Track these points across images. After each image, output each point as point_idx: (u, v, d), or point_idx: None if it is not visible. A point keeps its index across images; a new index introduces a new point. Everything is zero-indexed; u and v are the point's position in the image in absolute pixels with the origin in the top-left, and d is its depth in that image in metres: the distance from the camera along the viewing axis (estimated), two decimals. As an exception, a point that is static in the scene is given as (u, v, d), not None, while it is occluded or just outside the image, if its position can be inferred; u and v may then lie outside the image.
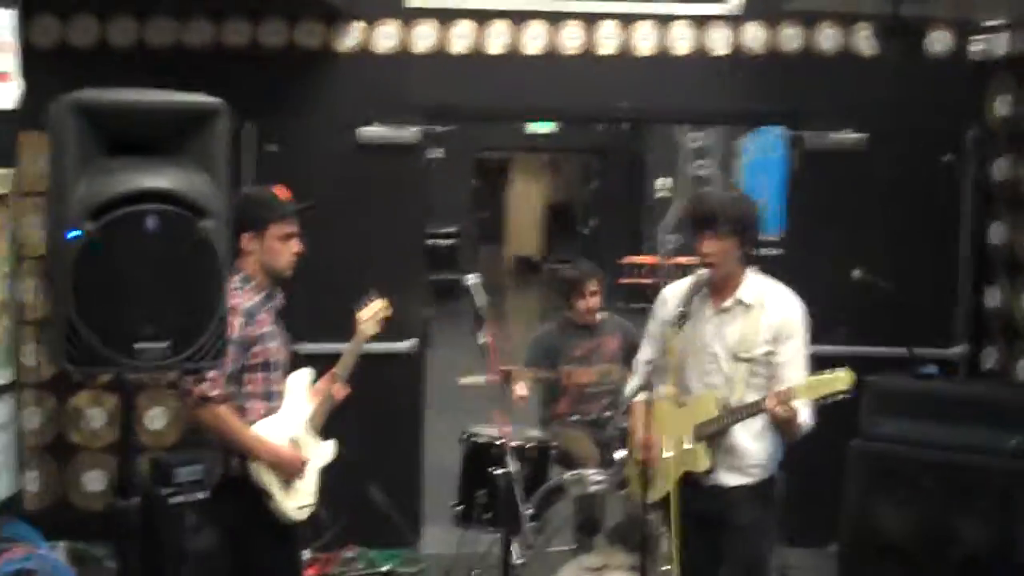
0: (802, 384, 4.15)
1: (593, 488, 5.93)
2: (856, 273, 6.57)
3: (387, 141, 6.95)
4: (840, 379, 4.07)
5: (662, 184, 19.64)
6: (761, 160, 19.27)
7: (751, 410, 4.27)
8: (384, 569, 6.62)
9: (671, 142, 19.53)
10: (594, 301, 6.62)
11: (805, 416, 4.24)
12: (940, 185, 7.12)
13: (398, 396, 6.89)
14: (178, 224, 3.12)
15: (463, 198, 20.36)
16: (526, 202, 27.32)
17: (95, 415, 6.55)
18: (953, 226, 7.14)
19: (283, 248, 4.36)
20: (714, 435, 4.34)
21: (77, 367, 3.06)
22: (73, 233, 3.02)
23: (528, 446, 6.03)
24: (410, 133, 6.99)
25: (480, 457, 6.21)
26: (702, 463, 4.36)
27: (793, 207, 7.37)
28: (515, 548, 5.99)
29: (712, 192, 4.57)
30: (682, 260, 19.31)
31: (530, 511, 5.89)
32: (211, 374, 4.03)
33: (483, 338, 4.05)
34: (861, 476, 5.81)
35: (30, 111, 4.97)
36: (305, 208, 4.48)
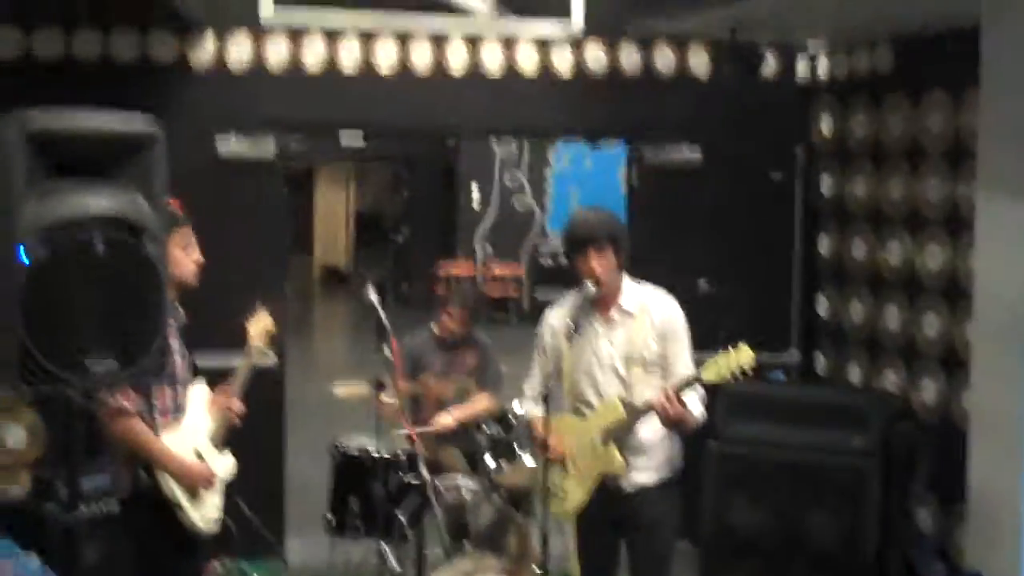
0: (707, 367, 4.35)
1: (468, 495, 6.14)
2: (702, 284, 6.98)
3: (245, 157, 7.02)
4: (744, 352, 4.27)
5: (474, 192, 19.92)
6: (571, 170, 19.86)
7: (648, 407, 4.48)
8: (255, 579, 6.65)
9: (482, 150, 19.83)
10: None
11: (696, 409, 4.50)
12: (771, 200, 7.57)
13: (260, 411, 6.90)
14: (123, 246, 3.21)
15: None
16: (333, 211, 27.17)
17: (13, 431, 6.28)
18: (785, 239, 7.59)
19: (184, 257, 4.46)
20: (621, 435, 4.54)
21: (30, 386, 3.10)
22: (22, 255, 3.06)
23: (401, 457, 6.21)
24: (266, 148, 7.05)
25: (351, 467, 6.35)
26: (617, 464, 4.54)
27: (633, 219, 7.67)
28: (389, 555, 6.18)
29: (582, 213, 4.78)
30: (497, 270, 19.73)
31: (403, 518, 6.07)
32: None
33: (388, 351, 4.18)
34: (718, 476, 6.13)
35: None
36: (184, 219, 4.54)
